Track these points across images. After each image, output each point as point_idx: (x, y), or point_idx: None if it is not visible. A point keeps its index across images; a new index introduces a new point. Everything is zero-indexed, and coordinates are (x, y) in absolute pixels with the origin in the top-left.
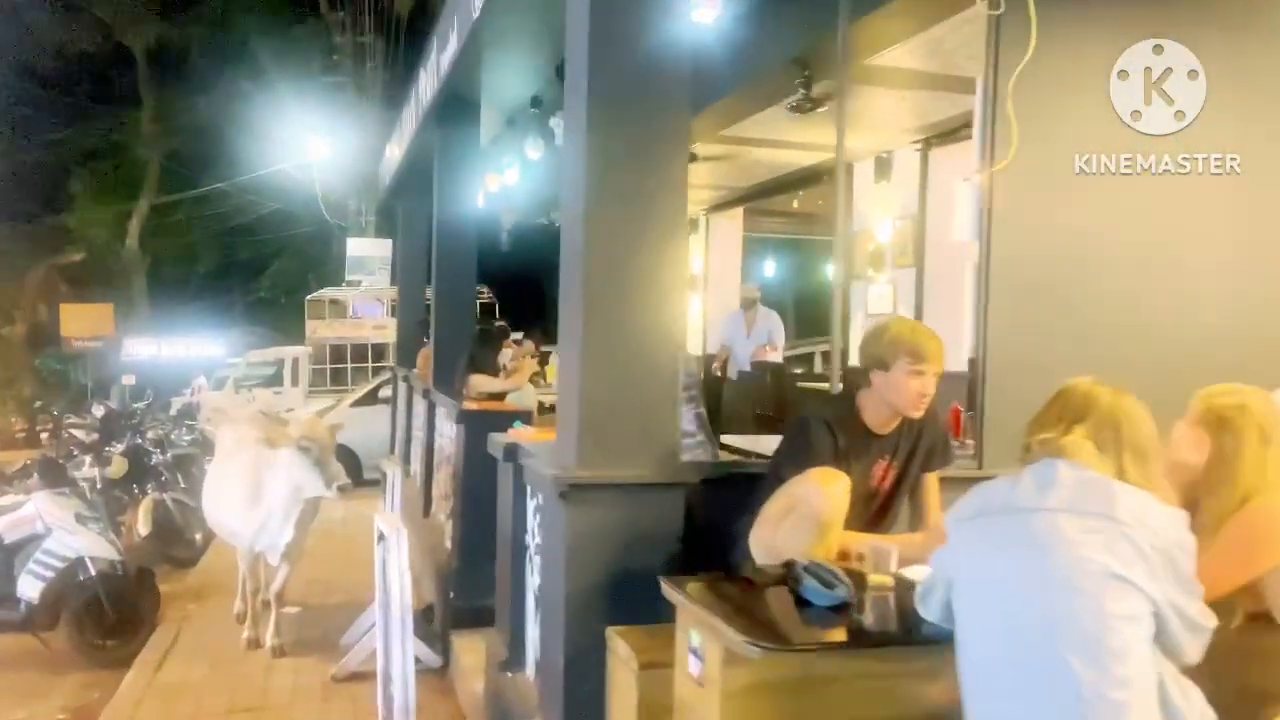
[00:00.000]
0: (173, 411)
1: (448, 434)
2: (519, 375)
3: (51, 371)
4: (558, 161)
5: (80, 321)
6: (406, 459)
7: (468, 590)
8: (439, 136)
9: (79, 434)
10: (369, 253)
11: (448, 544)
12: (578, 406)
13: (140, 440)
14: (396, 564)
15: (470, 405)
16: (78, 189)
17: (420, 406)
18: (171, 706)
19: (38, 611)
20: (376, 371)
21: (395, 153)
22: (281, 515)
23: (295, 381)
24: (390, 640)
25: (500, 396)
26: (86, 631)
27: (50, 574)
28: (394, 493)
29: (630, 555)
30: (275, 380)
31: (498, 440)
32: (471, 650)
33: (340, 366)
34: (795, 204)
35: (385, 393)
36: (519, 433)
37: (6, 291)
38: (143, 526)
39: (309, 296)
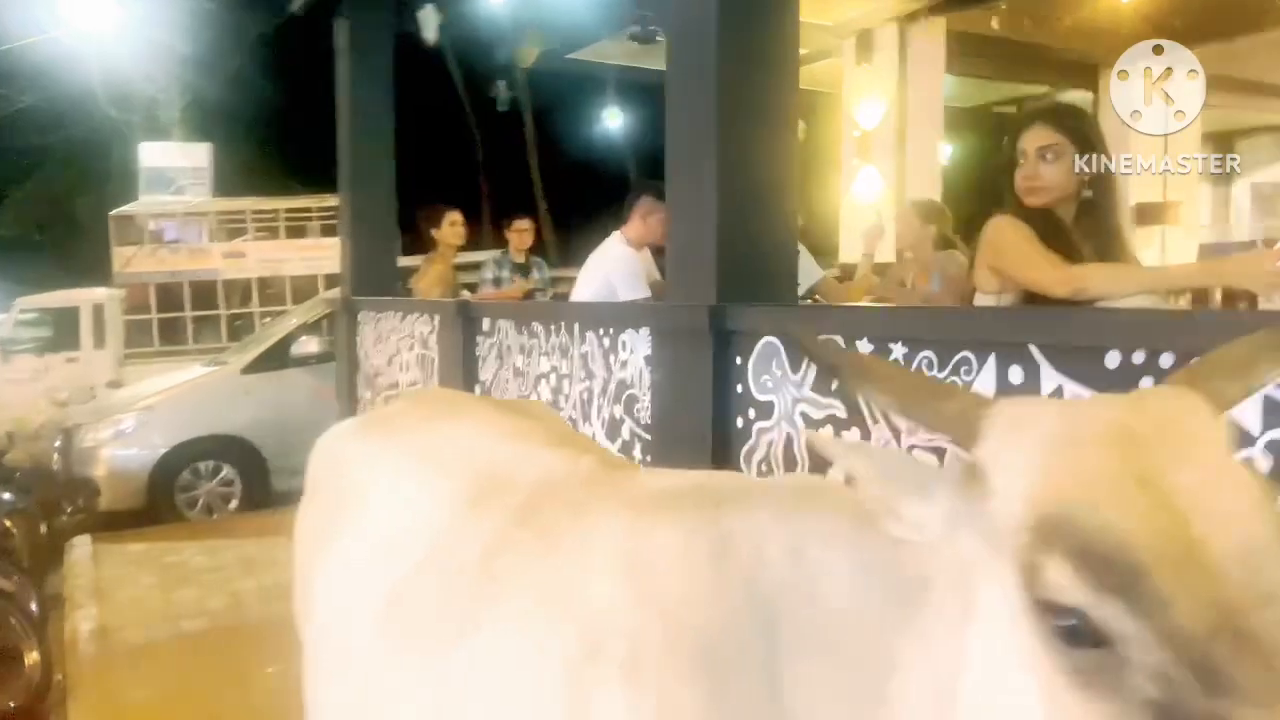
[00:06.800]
0: None
1: None
2: None
3: None
4: None
5: None
6: None
7: None
8: None
9: None
10: (175, 162)
11: None
12: None
13: None
14: None
15: None
16: None
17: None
18: None
19: None
20: (233, 321)
21: None
22: None
23: (100, 341)
24: None
25: None
26: None
27: None
28: None
29: None
30: (63, 341)
31: None
32: None
33: (175, 315)
34: (995, 22)
35: (303, 349)
36: None
37: None
38: None
39: (115, 212)
